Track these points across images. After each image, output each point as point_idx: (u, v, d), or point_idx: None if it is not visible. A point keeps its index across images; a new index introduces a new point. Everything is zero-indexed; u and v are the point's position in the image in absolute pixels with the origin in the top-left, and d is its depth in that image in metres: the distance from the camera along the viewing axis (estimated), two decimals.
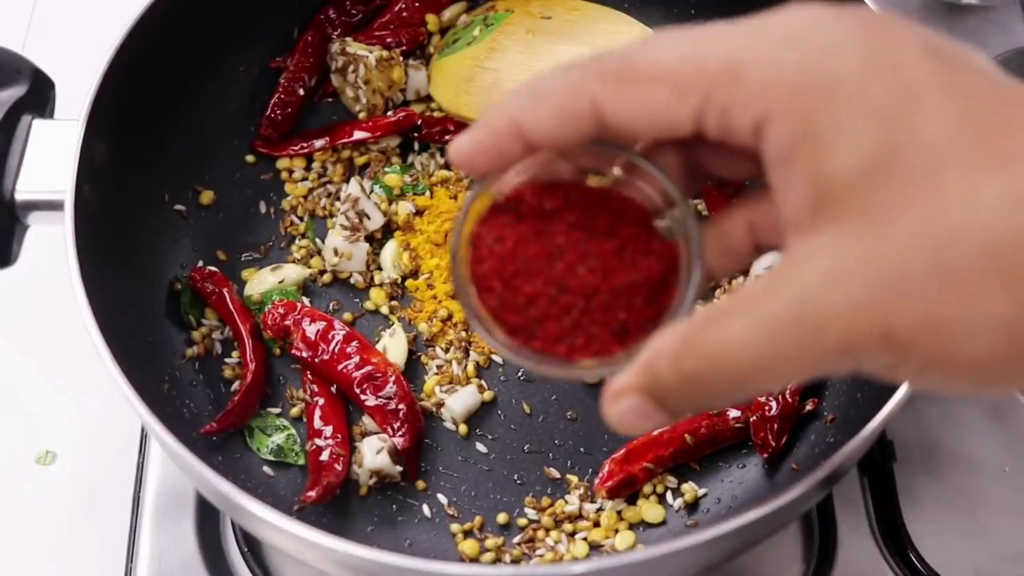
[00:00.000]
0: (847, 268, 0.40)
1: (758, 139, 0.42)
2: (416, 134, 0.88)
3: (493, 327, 0.48)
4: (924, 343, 0.40)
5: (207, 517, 0.78)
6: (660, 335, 0.43)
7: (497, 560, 0.73)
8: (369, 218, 0.83)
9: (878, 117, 0.40)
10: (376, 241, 0.85)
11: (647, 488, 0.75)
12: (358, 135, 0.87)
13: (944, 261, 0.39)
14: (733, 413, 0.76)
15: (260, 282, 0.82)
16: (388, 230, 0.85)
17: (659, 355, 0.43)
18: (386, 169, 0.87)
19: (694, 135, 0.44)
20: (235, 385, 0.79)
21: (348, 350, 0.78)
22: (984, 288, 0.39)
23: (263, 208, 0.86)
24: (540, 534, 0.74)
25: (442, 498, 0.75)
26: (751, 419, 0.75)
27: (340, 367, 0.77)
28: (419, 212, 0.85)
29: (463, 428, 0.78)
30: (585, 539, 0.73)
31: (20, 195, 0.70)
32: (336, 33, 0.90)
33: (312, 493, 0.72)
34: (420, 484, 0.76)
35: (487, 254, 0.48)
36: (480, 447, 0.77)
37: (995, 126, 0.40)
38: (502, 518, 0.74)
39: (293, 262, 0.84)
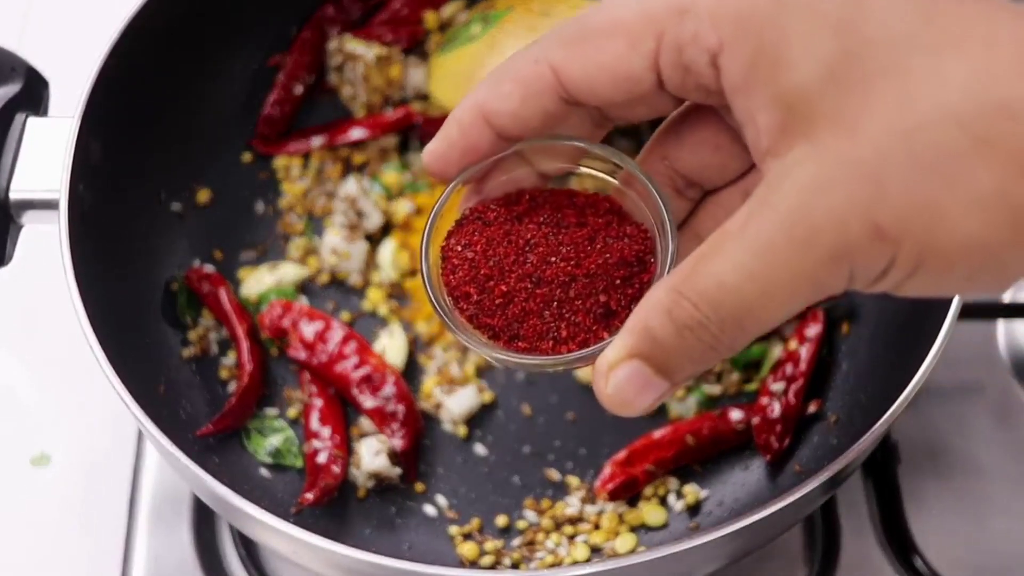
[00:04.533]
0: (826, 174, 0.39)
1: (716, 75, 0.42)
2: (415, 132, 0.87)
3: (475, 334, 0.47)
4: (914, 232, 0.39)
5: (204, 520, 0.77)
6: (647, 296, 0.42)
7: (497, 563, 0.72)
8: (367, 217, 0.83)
9: (830, 26, 0.40)
10: (374, 240, 0.84)
11: (648, 490, 0.75)
12: (356, 133, 0.86)
13: (920, 145, 0.38)
14: (735, 415, 0.75)
15: (257, 282, 0.81)
16: (387, 229, 0.84)
17: (650, 311, 0.41)
18: (384, 165, 0.86)
19: (655, 91, 0.44)
20: (232, 386, 0.78)
21: (346, 351, 0.77)
22: (965, 165, 0.38)
23: (260, 207, 0.86)
24: (540, 536, 0.73)
25: (441, 500, 0.75)
26: (754, 421, 0.74)
27: (338, 368, 0.77)
28: (418, 211, 0.85)
29: (462, 429, 0.77)
30: (586, 542, 0.73)
31: (14, 194, 0.70)
32: (334, 31, 0.90)
33: (309, 495, 0.71)
34: (419, 486, 0.75)
35: (459, 262, 0.48)
36: (480, 449, 0.77)
37: (947, 16, 0.40)
38: (502, 520, 0.74)
39: (291, 261, 0.83)
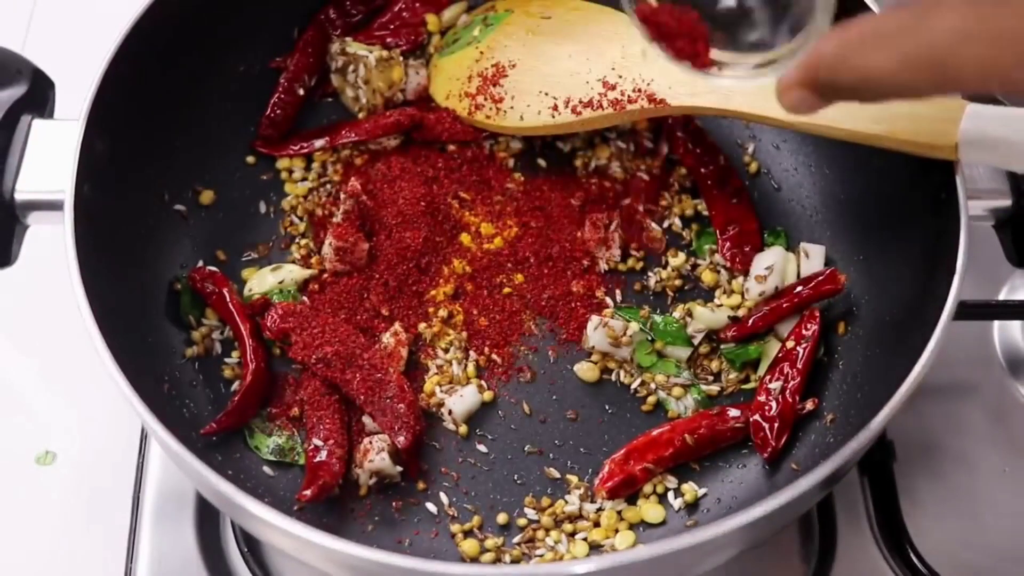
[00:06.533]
0: (972, 28, 0.52)
1: None
2: (416, 134, 0.88)
3: None
4: None
5: (207, 517, 0.78)
6: (819, 44, 0.57)
7: (497, 560, 0.73)
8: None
9: None
10: None
11: (647, 488, 0.75)
12: (358, 135, 0.86)
13: None
14: (733, 413, 0.76)
15: (260, 282, 0.82)
16: None
17: (820, 63, 0.58)
18: None
19: None
20: (235, 385, 0.78)
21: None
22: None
23: (263, 208, 0.86)
24: (540, 534, 0.74)
25: (442, 498, 0.75)
26: (751, 419, 0.75)
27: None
28: None
29: (463, 428, 0.78)
30: (585, 539, 0.73)
31: (20, 195, 0.70)
32: (336, 33, 0.90)
33: (307, 492, 0.71)
34: (420, 484, 0.76)
35: None
36: (480, 447, 0.77)
37: None
38: (502, 518, 0.74)
39: (293, 262, 0.83)
